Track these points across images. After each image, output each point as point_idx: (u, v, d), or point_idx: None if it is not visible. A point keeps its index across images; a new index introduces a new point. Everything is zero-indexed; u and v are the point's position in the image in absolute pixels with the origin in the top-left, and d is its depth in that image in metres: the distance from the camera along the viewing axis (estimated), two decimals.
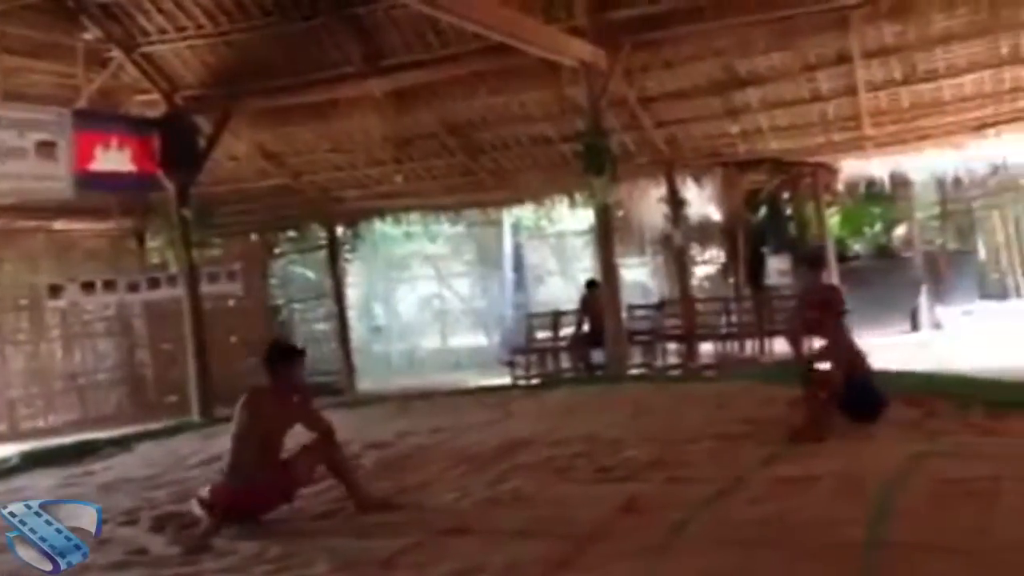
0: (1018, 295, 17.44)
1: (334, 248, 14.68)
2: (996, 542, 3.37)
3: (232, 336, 13.45)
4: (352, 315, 15.68)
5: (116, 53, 11.28)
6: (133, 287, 12.68)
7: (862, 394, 5.83)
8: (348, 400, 11.89)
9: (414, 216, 14.99)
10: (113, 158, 10.58)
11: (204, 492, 5.02)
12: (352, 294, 16.21)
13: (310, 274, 15.76)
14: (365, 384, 14.42)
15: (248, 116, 12.25)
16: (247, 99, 11.71)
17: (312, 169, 13.71)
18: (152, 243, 13.66)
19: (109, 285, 12.58)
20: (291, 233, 15.25)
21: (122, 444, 8.57)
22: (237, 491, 4.88)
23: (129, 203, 13.17)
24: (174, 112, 11.51)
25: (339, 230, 14.83)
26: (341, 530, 4.62)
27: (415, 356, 17.92)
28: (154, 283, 12.53)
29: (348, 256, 15.22)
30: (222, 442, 7.85)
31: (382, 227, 15.75)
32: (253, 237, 14.67)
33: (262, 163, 13.50)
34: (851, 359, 6.00)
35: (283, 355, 5.19)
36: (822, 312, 9.92)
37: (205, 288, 11.97)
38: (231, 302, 13.42)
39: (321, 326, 15.15)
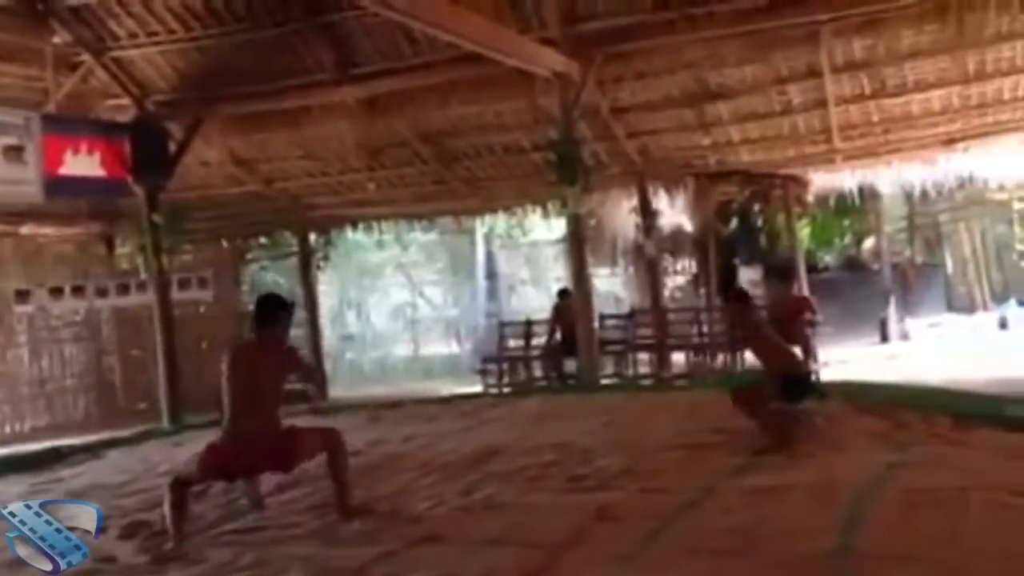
0: (984, 308, 17.68)
1: (306, 255, 14.62)
2: (964, 551, 3.42)
3: (203, 342, 13.33)
4: (324, 323, 15.61)
5: (86, 57, 11.19)
6: (102, 292, 12.56)
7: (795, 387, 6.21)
8: (319, 407, 11.82)
9: (386, 224, 14.95)
10: (83, 163, 10.47)
11: (191, 466, 5.03)
12: (324, 302, 16.13)
13: (282, 281, 15.68)
14: (337, 392, 14.33)
15: (220, 122, 12.18)
16: (219, 105, 11.65)
17: (284, 176, 13.65)
18: (122, 248, 13.53)
19: (78, 290, 12.46)
20: (263, 240, 15.18)
21: (91, 451, 8.46)
22: (237, 452, 4.84)
23: (98, 208, 13.04)
24: (144, 117, 11.41)
25: (311, 237, 14.78)
26: (314, 538, 4.58)
27: (387, 364, 17.86)
28: (124, 289, 12.43)
29: (320, 264, 15.15)
30: (192, 448, 7.84)
31: (354, 235, 15.70)
32: (224, 244, 14.57)
33: (233, 169, 13.43)
34: (786, 361, 6.41)
35: (279, 307, 5.12)
36: (791, 321, 10.06)
37: (175, 294, 11.89)
38: (202, 308, 13.32)
39: (292, 333, 15.02)
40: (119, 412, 12.82)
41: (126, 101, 11.54)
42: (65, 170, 10.24)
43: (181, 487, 4.87)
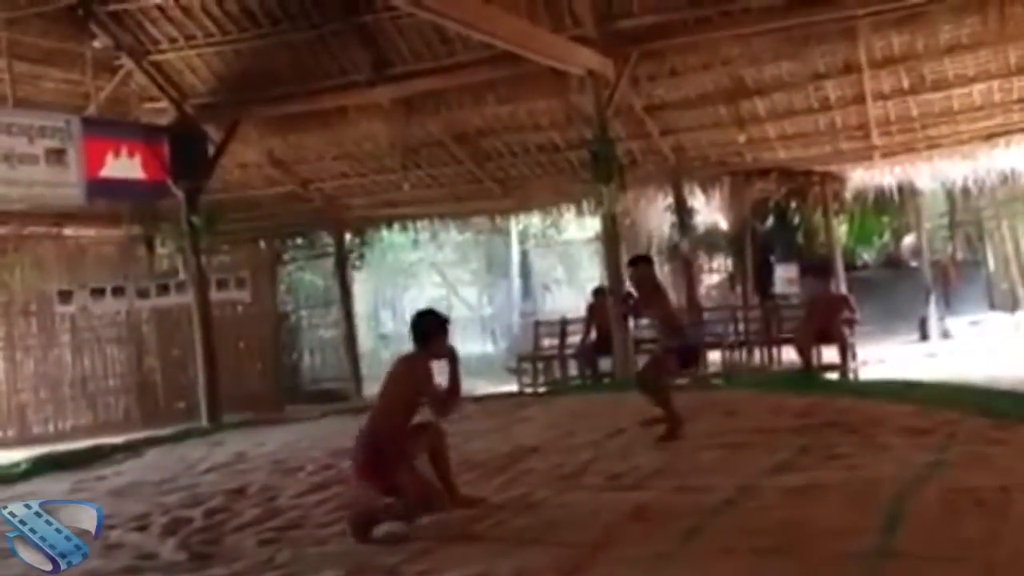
0: None
1: (341, 255, 14.73)
2: (1006, 552, 3.36)
3: (240, 342, 13.47)
4: (359, 322, 15.70)
5: (125, 61, 11.34)
6: (142, 293, 12.72)
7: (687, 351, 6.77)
8: (355, 406, 11.90)
9: (421, 224, 15.00)
10: (123, 165, 10.62)
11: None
12: (360, 301, 16.24)
13: (318, 281, 15.81)
14: (372, 391, 14.39)
15: (256, 124, 12.31)
16: (255, 107, 11.77)
17: (320, 177, 13.76)
18: (161, 249, 13.70)
19: (118, 291, 12.63)
20: (299, 240, 15.31)
21: (132, 449, 8.60)
22: (356, 464, 4.72)
23: (138, 210, 13.22)
24: (183, 120, 11.55)
25: (347, 237, 14.88)
26: (349, 537, 4.61)
27: None
28: (163, 289, 12.57)
29: (356, 263, 15.25)
30: (230, 448, 7.94)
31: (389, 235, 15.79)
32: (261, 244, 14.71)
33: (270, 171, 13.56)
34: (679, 328, 6.91)
35: (436, 324, 4.94)
36: (830, 320, 9.99)
37: (214, 295, 12.01)
38: (239, 308, 13.45)
39: (328, 333, 15.19)
40: (159, 411, 12.99)
41: (165, 104, 11.68)
42: (106, 172, 10.38)
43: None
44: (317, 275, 15.86)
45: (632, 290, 7.05)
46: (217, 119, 11.84)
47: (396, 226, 15.06)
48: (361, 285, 16.66)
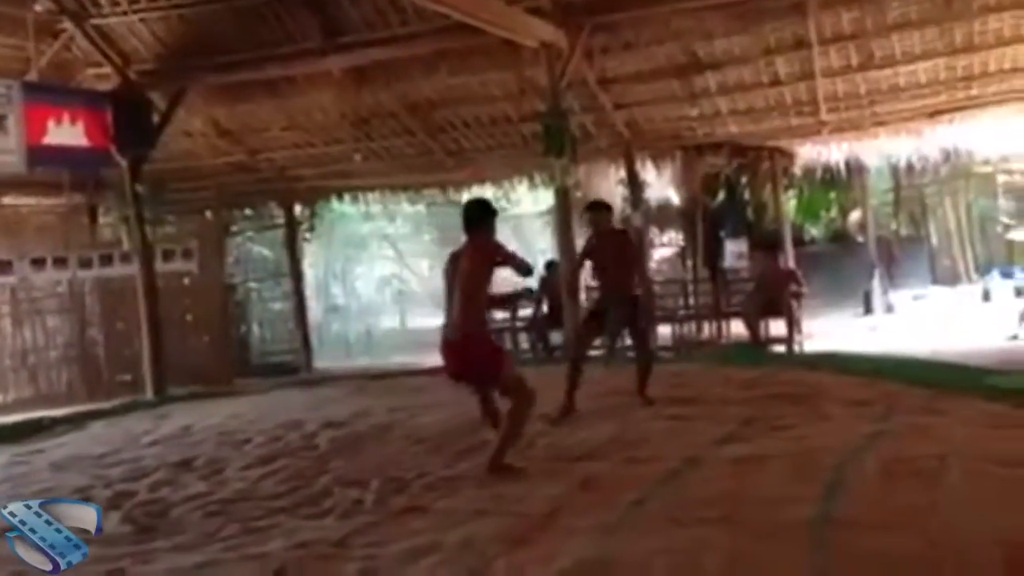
0: (968, 280, 17.76)
1: (292, 227, 14.57)
2: (941, 519, 3.45)
3: (187, 314, 13.27)
4: (310, 294, 15.58)
5: (68, 25, 11.02)
6: (85, 264, 12.43)
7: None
8: (304, 379, 11.84)
9: (373, 196, 14.88)
10: (65, 132, 10.34)
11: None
12: (310, 273, 16.11)
13: (267, 253, 15.62)
14: (322, 364, 14.35)
15: (203, 92, 12.07)
16: (202, 74, 11.53)
17: (269, 147, 13.56)
18: (105, 219, 13.42)
19: (60, 261, 12.32)
20: (247, 211, 15.09)
21: (74, 422, 8.46)
22: (454, 343, 5.11)
23: (81, 178, 12.90)
24: (127, 86, 11.27)
25: (297, 209, 14.72)
26: (297, 509, 4.59)
27: (373, 336, 17.86)
28: (107, 260, 12.30)
29: (306, 235, 15.10)
30: (176, 421, 7.85)
31: (340, 206, 15.63)
32: (208, 215, 14.48)
33: (217, 140, 13.33)
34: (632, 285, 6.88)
35: (483, 212, 5.36)
36: (777, 293, 10.13)
37: (159, 266, 11.80)
38: (186, 280, 13.24)
39: (278, 305, 15.06)
40: (103, 384, 12.76)
41: (108, 70, 11.37)
42: (47, 139, 10.10)
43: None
44: (266, 247, 15.66)
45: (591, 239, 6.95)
46: (162, 86, 11.58)
47: (347, 198, 14.93)
48: (311, 257, 16.51)
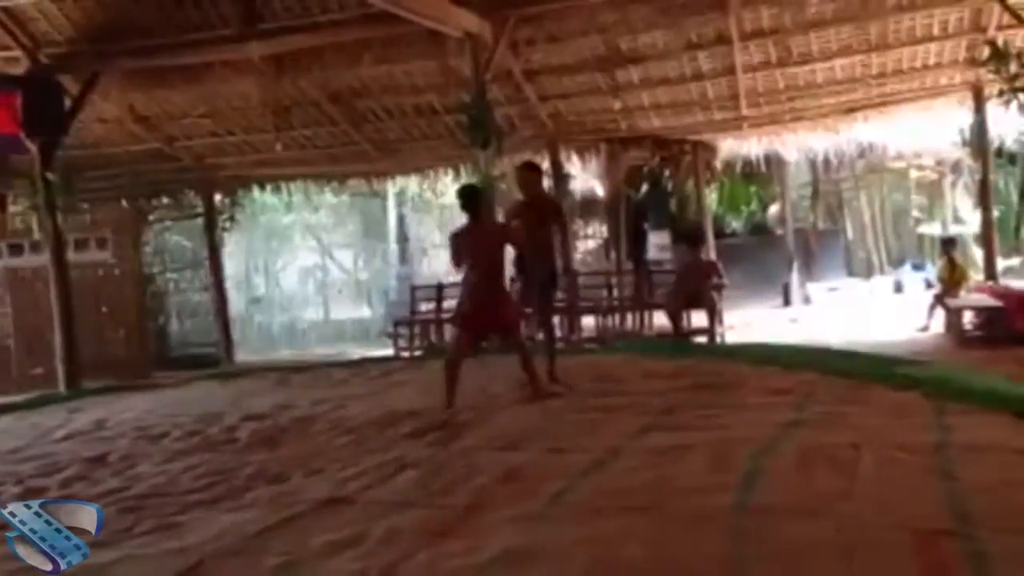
0: (881, 272, 18.31)
1: (211, 216, 14.28)
2: (855, 505, 3.54)
3: (102, 306, 12.90)
4: (230, 286, 15.29)
5: None
6: None
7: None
8: (225, 372, 11.62)
9: (295, 185, 14.67)
10: None
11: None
12: (231, 264, 15.80)
13: (186, 243, 15.27)
14: (244, 356, 14.11)
15: (118, 77, 11.75)
16: (117, 59, 11.21)
17: (187, 134, 13.27)
18: (14, 208, 12.97)
19: None
20: (165, 200, 14.74)
21: None
22: (475, 311, 6.39)
23: None
24: (37, 70, 10.89)
25: (217, 198, 14.42)
26: (217, 503, 4.50)
27: (296, 328, 17.62)
28: (16, 250, 11.92)
29: (226, 225, 14.81)
30: (90, 415, 7.63)
31: (262, 196, 15.36)
32: (124, 204, 14.09)
33: (133, 127, 12.99)
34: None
35: (475, 195, 6.42)
36: (699, 285, 10.27)
37: (72, 256, 11.48)
38: (101, 271, 12.87)
39: (198, 296, 14.73)
40: (13, 378, 12.33)
41: (18, 53, 10.98)
42: None
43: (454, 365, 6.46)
44: (185, 236, 15.31)
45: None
46: (75, 71, 11.24)
47: (269, 187, 14.69)
48: (233, 247, 16.19)
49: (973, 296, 10.66)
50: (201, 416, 6.92)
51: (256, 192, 14.89)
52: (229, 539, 3.86)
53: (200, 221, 14.50)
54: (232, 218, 14.96)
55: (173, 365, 13.21)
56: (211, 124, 12.99)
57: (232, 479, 4.94)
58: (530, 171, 7.10)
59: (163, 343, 14.24)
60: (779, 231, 17.87)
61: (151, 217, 14.68)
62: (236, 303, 15.94)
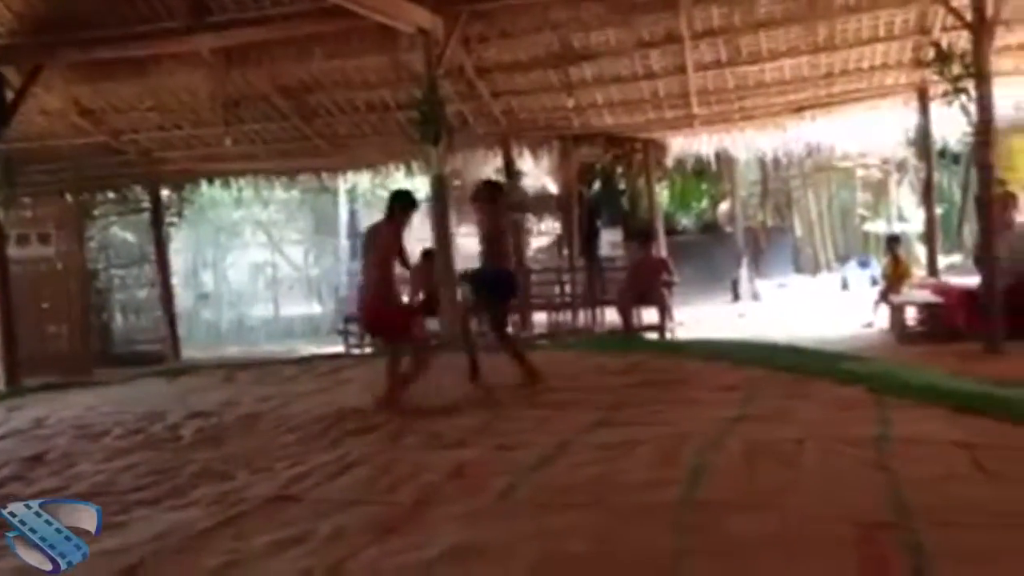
0: (828, 269, 18.59)
1: (157, 211, 14.05)
2: (799, 499, 3.58)
3: (44, 303, 12.64)
4: (178, 282, 15.07)
5: None
6: None
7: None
8: (169, 369, 11.44)
9: (245, 180, 14.49)
10: None
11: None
12: (178, 260, 15.58)
13: (131, 238, 15.00)
14: (191, 353, 13.92)
15: (62, 69, 11.50)
16: (61, 50, 10.96)
17: (133, 128, 13.04)
18: None
19: None
20: (110, 194, 14.46)
21: None
22: (364, 302, 6.91)
23: None
24: None
25: (164, 193, 14.19)
26: (160, 501, 4.42)
27: (245, 324, 17.43)
28: None
29: (173, 220, 14.58)
30: (29, 413, 7.46)
31: (211, 191, 15.16)
32: (68, 198, 13.81)
33: (77, 120, 12.73)
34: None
35: (406, 202, 6.64)
36: (650, 282, 10.32)
37: (13, 250, 11.22)
38: (43, 266, 12.60)
39: (143, 293, 14.49)
40: None
41: None
42: None
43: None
44: (131, 231, 15.04)
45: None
46: (17, 62, 10.97)
47: (217, 182, 14.50)
48: (180, 243, 15.96)
49: (916, 293, 10.86)
50: (144, 414, 6.80)
51: (204, 187, 14.69)
52: (171, 538, 3.80)
53: (146, 216, 14.26)
54: (179, 213, 14.74)
55: (117, 362, 12.98)
56: (158, 118, 12.78)
57: (175, 477, 4.86)
58: (489, 189, 7.29)
59: (107, 340, 13.98)
60: (729, 228, 18.08)
61: (95, 212, 14.39)
62: (183, 299, 15.74)
